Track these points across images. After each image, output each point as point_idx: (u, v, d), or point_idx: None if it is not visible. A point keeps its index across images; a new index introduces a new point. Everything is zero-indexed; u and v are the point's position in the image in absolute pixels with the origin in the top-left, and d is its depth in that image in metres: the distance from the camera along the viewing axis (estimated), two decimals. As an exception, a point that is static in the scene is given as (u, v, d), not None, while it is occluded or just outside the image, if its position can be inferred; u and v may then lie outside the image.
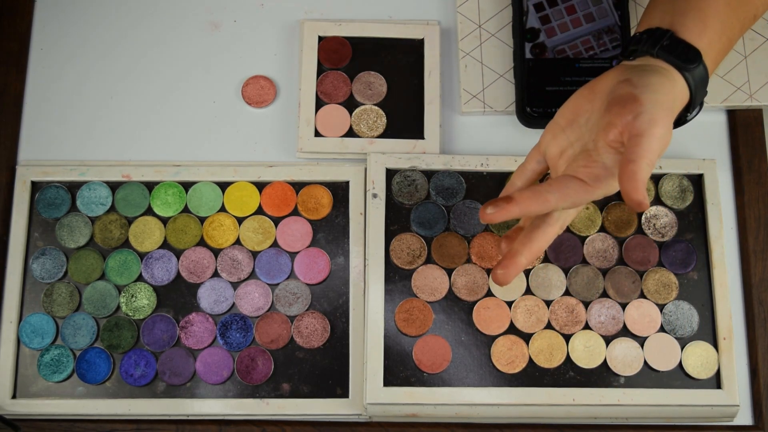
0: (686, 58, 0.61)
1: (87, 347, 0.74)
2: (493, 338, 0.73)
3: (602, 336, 0.74)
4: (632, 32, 0.80)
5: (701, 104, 0.65)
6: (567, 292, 0.75)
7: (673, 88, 0.60)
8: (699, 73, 0.62)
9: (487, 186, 0.77)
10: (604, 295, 0.75)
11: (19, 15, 0.82)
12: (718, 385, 0.73)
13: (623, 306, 0.75)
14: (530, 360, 0.73)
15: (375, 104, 0.80)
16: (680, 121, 0.65)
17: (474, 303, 0.74)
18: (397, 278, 0.75)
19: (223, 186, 0.77)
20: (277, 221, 0.77)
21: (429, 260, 0.75)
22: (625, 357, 0.73)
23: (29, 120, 0.80)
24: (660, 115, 0.58)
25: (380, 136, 0.79)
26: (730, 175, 0.79)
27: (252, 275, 0.75)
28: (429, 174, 0.77)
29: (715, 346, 0.74)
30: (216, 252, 0.76)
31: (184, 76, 0.81)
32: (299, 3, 0.83)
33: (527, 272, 0.75)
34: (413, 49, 0.81)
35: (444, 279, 0.74)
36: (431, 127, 0.79)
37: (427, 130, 0.79)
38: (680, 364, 0.74)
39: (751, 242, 0.77)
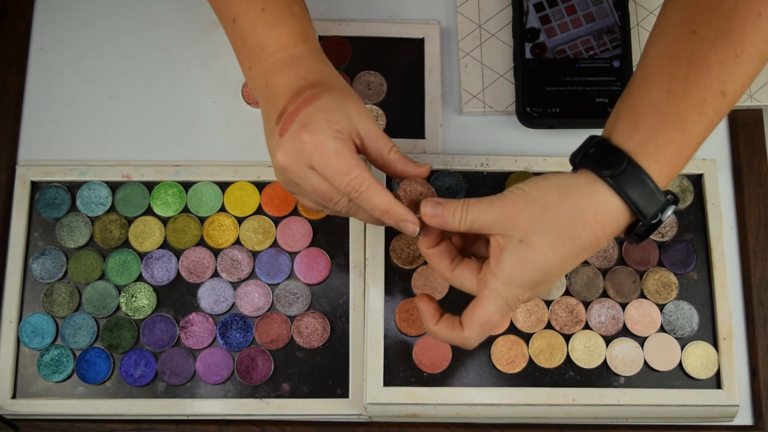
0: (605, 163, 0.56)
1: (87, 347, 0.74)
2: (493, 338, 0.73)
3: (602, 336, 0.74)
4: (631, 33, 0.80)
5: (673, 203, 0.58)
6: (567, 292, 0.75)
7: (595, 204, 0.56)
8: (631, 179, 0.56)
9: (487, 186, 0.77)
10: (604, 295, 0.75)
11: (19, 15, 0.82)
12: (718, 385, 0.73)
13: (623, 306, 0.75)
14: (530, 360, 0.73)
15: (375, 104, 0.80)
16: (642, 230, 0.58)
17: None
18: (397, 278, 0.75)
19: (223, 186, 0.77)
20: (277, 221, 0.77)
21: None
22: (625, 357, 0.74)
23: (29, 120, 0.80)
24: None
25: (380, 136, 0.79)
26: (730, 175, 0.79)
27: (252, 275, 0.75)
28: (429, 174, 0.77)
29: (715, 346, 0.74)
30: (216, 252, 0.76)
31: (184, 76, 0.81)
32: (299, 3, 0.83)
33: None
34: (413, 48, 0.81)
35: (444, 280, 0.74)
36: (431, 127, 0.79)
37: (427, 130, 0.79)
38: (680, 364, 0.74)
39: (751, 242, 0.77)
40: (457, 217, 0.59)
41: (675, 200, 0.59)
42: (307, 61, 0.63)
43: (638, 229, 0.58)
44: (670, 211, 0.58)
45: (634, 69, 0.79)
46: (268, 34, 0.62)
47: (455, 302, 0.74)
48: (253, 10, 0.62)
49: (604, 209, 0.57)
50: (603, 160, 0.57)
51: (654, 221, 0.57)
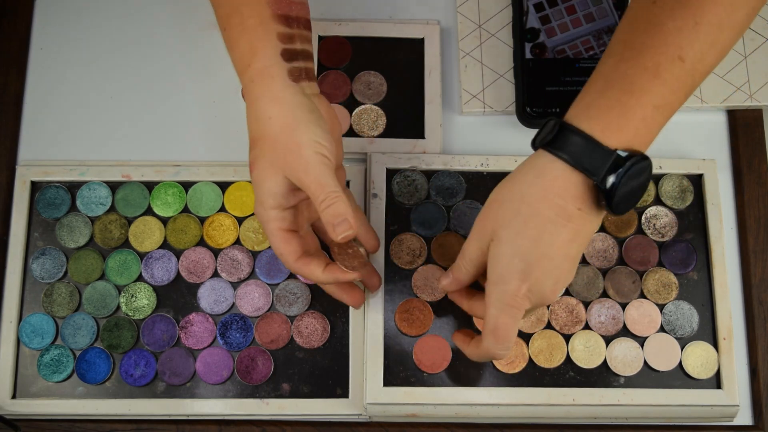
0: (542, 135, 0.58)
1: (87, 347, 0.74)
2: (493, 338, 0.73)
3: (602, 336, 0.74)
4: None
5: (630, 160, 0.57)
6: (567, 292, 0.75)
7: (540, 175, 0.58)
8: (564, 138, 0.57)
9: (487, 186, 0.77)
10: (604, 295, 0.75)
11: (19, 15, 0.82)
12: (718, 385, 0.73)
13: (623, 306, 0.75)
14: (530, 360, 0.73)
15: (375, 104, 0.80)
16: (605, 193, 0.57)
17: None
18: (397, 278, 0.74)
19: (223, 186, 0.77)
20: (277, 221, 0.77)
21: (429, 260, 0.75)
22: (625, 357, 0.73)
23: (29, 120, 0.80)
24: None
25: (380, 136, 0.79)
26: (730, 175, 0.79)
27: (252, 275, 0.75)
28: (429, 174, 0.77)
29: (715, 346, 0.74)
30: (216, 252, 0.76)
31: (184, 76, 0.81)
32: (299, 3, 0.83)
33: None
34: (413, 48, 0.81)
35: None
36: (431, 127, 0.79)
37: (427, 130, 0.79)
38: (680, 364, 0.74)
39: (751, 242, 0.77)
40: (463, 268, 0.63)
41: (635, 158, 0.57)
42: (252, 99, 0.63)
43: (599, 194, 0.57)
44: (635, 170, 0.57)
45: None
46: (232, 55, 0.65)
47: (448, 299, 0.74)
48: (232, 24, 0.65)
49: (551, 176, 0.57)
50: (541, 134, 0.59)
51: (615, 181, 0.56)
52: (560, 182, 0.57)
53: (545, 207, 0.57)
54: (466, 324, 0.74)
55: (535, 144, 0.59)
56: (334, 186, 0.60)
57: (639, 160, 0.57)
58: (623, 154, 0.57)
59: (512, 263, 0.58)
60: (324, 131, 0.62)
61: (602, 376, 0.73)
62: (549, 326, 0.74)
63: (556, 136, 0.58)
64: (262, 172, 0.62)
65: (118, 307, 0.75)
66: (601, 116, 0.57)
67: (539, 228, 0.58)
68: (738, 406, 0.72)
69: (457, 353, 0.73)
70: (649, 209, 0.77)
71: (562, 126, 0.58)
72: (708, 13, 0.57)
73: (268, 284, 0.75)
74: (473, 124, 0.80)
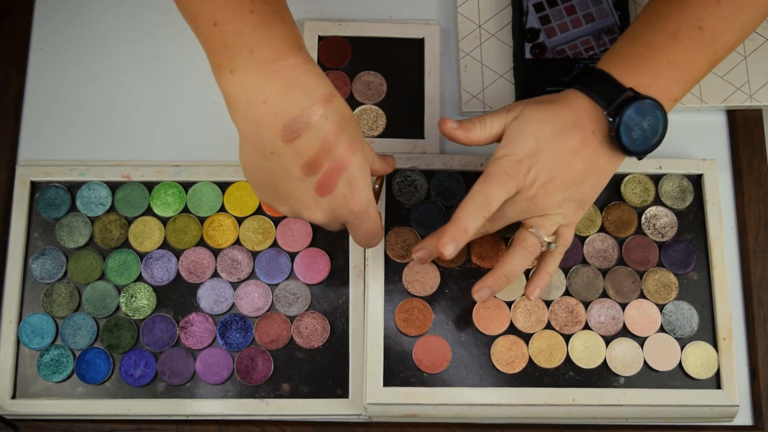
0: (575, 78, 0.66)
1: (87, 347, 0.74)
2: (493, 338, 0.73)
3: (602, 336, 0.74)
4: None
5: (637, 99, 0.63)
6: (567, 292, 0.75)
7: (571, 107, 0.65)
8: (590, 76, 0.65)
9: (487, 186, 0.77)
10: (604, 295, 0.75)
11: (19, 15, 0.82)
12: (718, 386, 0.73)
13: (623, 306, 0.75)
14: (530, 360, 0.73)
15: (375, 104, 0.80)
16: (615, 122, 0.64)
17: (474, 303, 0.74)
18: (396, 278, 0.74)
19: (223, 186, 0.77)
20: (277, 221, 0.77)
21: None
22: (625, 357, 0.73)
23: (29, 120, 0.80)
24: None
25: (380, 136, 0.79)
26: (730, 175, 0.79)
27: (252, 275, 0.75)
28: (429, 174, 0.77)
29: (715, 346, 0.74)
30: (216, 252, 0.76)
31: (184, 76, 0.81)
32: (299, 2, 0.83)
33: (527, 273, 0.75)
34: (413, 49, 0.81)
35: (435, 274, 0.74)
36: (431, 127, 0.79)
37: (427, 130, 0.79)
38: (680, 365, 0.74)
39: (751, 242, 0.77)
40: (478, 125, 0.66)
41: (646, 97, 0.63)
42: (313, 81, 0.59)
43: (610, 125, 0.64)
44: (643, 107, 0.63)
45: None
46: (259, 37, 0.58)
47: (448, 298, 0.74)
48: (240, 13, 0.58)
49: (576, 105, 0.65)
50: (571, 76, 0.67)
51: (622, 113, 0.63)
52: (583, 110, 0.65)
53: (569, 115, 0.64)
54: (465, 324, 0.74)
55: (566, 83, 0.67)
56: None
57: (649, 100, 0.63)
58: (634, 93, 0.63)
59: (527, 140, 0.64)
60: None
61: (602, 377, 0.73)
62: (549, 326, 0.74)
63: (582, 76, 0.66)
64: (363, 152, 0.61)
65: (118, 307, 0.75)
66: (619, 62, 0.65)
67: (559, 125, 0.64)
68: (738, 406, 0.72)
69: (457, 353, 0.73)
70: (649, 209, 0.77)
71: (587, 68, 0.66)
72: None
73: (268, 284, 0.75)
74: (473, 124, 0.80)
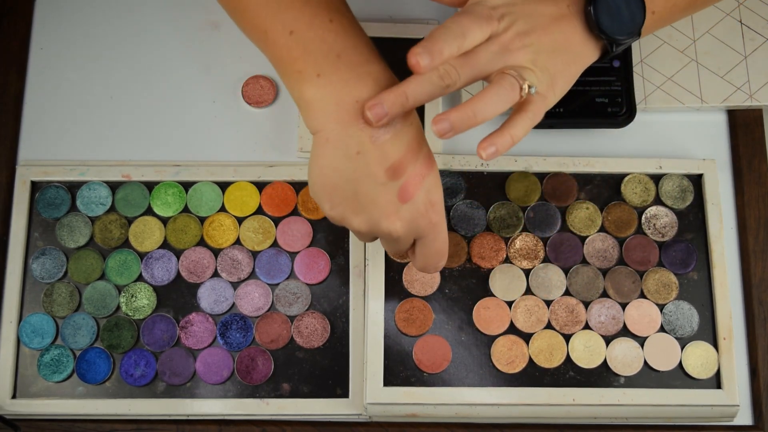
0: None
1: (87, 347, 0.74)
2: (493, 338, 0.73)
3: (602, 336, 0.74)
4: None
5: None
6: (567, 292, 0.75)
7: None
8: None
9: (487, 186, 0.77)
10: (604, 295, 0.75)
11: (19, 15, 0.82)
12: (718, 385, 0.73)
13: (623, 306, 0.75)
14: (530, 360, 0.73)
15: (375, 104, 0.80)
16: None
17: (474, 303, 0.74)
18: (397, 278, 0.74)
19: (223, 186, 0.77)
20: (277, 221, 0.77)
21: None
22: (625, 357, 0.73)
23: (29, 120, 0.80)
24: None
25: (380, 136, 0.79)
26: (730, 175, 0.79)
27: (252, 275, 0.75)
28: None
29: (715, 346, 0.74)
30: (216, 252, 0.76)
31: (184, 76, 0.81)
32: (299, 3, 0.83)
33: (527, 272, 0.75)
34: (413, 49, 0.81)
35: (435, 274, 0.74)
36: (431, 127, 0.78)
37: (428, 130, 0.79)
38: (680, 364, 0.74)
39: (751, 242, 0.77)
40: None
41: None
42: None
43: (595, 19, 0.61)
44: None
45: (633, 69, 0.79)
46: (344, 43, 0.59)
47: (448, 298, 0.74)
48: (319, 21, 0.59)
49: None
50: None
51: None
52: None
53: None
54: (466, 323, 0.74)
55: None
56: None
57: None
58: None
59: None
60: None
61: (602, 376, 0.73)
62: (549, 326, 0.74)
63: None
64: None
65: (118, 307, 0.75)
66: None
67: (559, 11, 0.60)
68: (738, 406, 0.72)
69: (457, 353, 0.73)
70: (649, 209, 0.77)
71: None
72: None
73: (268, 284, 0.75)
74: (473, 124, 0.80)
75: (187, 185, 0.77)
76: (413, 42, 0.83)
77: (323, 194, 0.60)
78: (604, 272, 0.76)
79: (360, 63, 0.59)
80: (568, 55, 0.61)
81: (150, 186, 0.77)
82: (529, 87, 0.59)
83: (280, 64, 0.60)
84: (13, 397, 0.73)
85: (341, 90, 0.58)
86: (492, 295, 0.75)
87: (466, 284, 0.75)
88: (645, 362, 0.73)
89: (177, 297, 0.75)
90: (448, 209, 0.76)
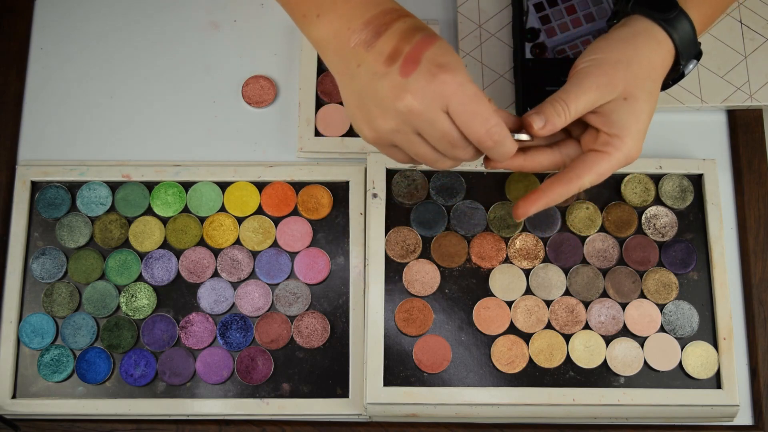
0: (661, 7, 0.63)
1: (87, 347, 0.74)
2: (493, 338, 0.73)
3: (602, 336, 0.74)
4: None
5: (697, 57, 0.65)
6: (567, 292, 0.75)
7: (658, 47, 0.62)
8: (680, 25, 0.62)
9: (487, 186, 0.77)
10: (604, 295, 0.75)
11: (19, 15, 0.82)
12: (718, 385, 0.73)
13: (623, 306, 0.75)
14: (530, 360, 0.73)
15: (375, 104, 0.80)
16: (676, 74, 0.66)
17: (474, 303, 0.74)
18: (397, 278, 0.75)
19: (223, 186, 0.77)
20: (277, 221, 0.77)
21: (427, 258, 0.75)
22: (625, 357, 0.73)
23: (29, 120, 0.80)
24: (638, 93, 0.61)
25: (380, 136, 0.79)
26: (730, 175, 0.79)
27: (252, 275, 0.75)
28: (429, 174, 0.77)
29: (715, 346, 0.74)
30: (216, 252, 0.76)
31: (184, 76, 0.81)
32: (299, 3, 0.83)
33: (527, 272, 0.75)
34: (413, 49, 0.81)
35: (435, 274, 0.74)
36: (431, 127, 0.78)
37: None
38: (680, 364, 0.74)
39: (751, 242, 0.77)
40: (563, 116, 0.62)
41: (701, 53, 0.65)
42: (395, 5, 0.60)
43: (671, 75, 0.65)
44: (693, 65, 0.65)
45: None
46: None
47: (448, 298, 0.74)
48: None
49: (663, 52, 0.63)
50: (656, 5, 0.63)
51: (684, 70, 0.65)
52: (662, 57, 0.63)
53: (655, 78, 0.63)
54: (466, 323, 0.74)
55: (636, 9, 0.64)
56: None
57: (700, 53, 0.66)
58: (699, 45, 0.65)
59: (647, 124, 0.62)
60: None
61: (602, 376, 0.73)
62: (549, 326, 0.74)
63: (670, 12, 0.63)
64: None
65: (118, 307, 0.75)
66: (699, 6, 0.65)
67: (657, 95, 0.63)
68: (738, 406, 0.72)
69: (457, 353, 0.73)
70: (649, 209, 0.77)
71: (680, 10, 0.63)
72: None
73: (268, 284, 0.75)
74: (473, 124, 0.80)
75: (187, 185, 0.77)
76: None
77: (360, 122, 0.60)
78: (604, 272, 0.76)
79: (359, 1, 0.60)
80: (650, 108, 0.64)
81: (150, 186, 0.77)
82: None
83: (289, 10, 0.63)
84: (13, 397, 0.73)
85: (337, 25, 0.59)
86: (492, 295, 0.75)
87: (466, 284, 0.75)
88: (645, 362, 0.73)
89: (177, 297, 0.75)
90: (448, 209, 0.76)
